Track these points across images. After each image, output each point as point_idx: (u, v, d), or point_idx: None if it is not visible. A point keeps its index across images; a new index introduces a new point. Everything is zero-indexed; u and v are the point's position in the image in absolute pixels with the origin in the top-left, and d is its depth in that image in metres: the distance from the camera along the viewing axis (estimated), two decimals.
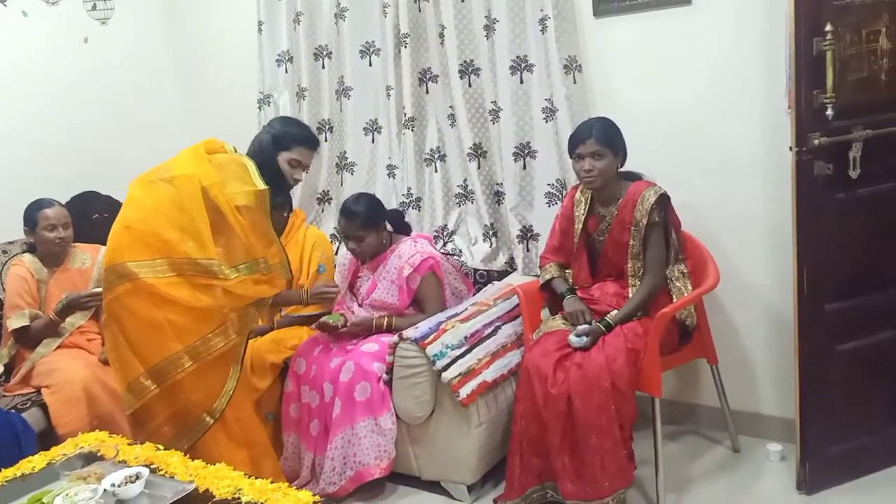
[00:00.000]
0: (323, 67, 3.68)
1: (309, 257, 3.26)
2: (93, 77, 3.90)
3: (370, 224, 2.97)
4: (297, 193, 3.69)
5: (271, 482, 1.96)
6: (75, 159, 3.73)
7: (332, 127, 3.72)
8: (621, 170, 2.66)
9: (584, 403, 2.36)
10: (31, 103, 3.63)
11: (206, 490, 1.98)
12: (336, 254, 3.52)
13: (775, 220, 2.72)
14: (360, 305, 3.09)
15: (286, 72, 3.79)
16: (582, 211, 2.71)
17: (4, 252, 3.37)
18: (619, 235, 2.63)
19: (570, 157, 2.65)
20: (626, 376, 2.41)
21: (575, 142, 2.61)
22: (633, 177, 2.68)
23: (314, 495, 1.90)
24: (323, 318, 2.88)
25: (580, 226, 2.71)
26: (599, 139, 2.56)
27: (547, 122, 3.09)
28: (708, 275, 2.65)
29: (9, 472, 2.18)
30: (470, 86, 3.27)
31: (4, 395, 2.93)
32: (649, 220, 2.56)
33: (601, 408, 2.36)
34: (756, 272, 2.85)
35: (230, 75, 4.09)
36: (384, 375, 2.73)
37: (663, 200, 2.58)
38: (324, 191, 3.79)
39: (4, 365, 3.09)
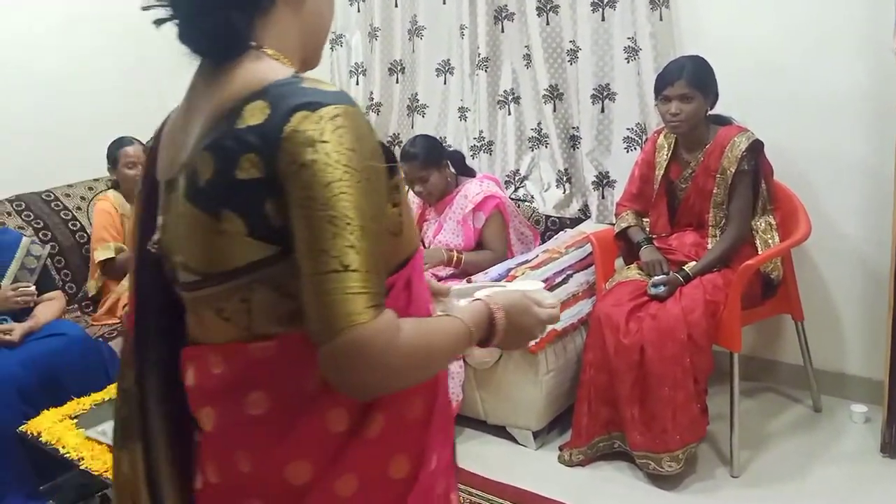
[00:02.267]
0: (396, 6, 3.60)
1: None
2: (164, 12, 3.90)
3: (431, 162, 2.93)
4: None
5: None
6: (151, 99, 3.79)
7: (404, 68, 3.66)
8: (710, 113, 2.53)
9: (657, 354, 2.30)
10: (108, 45, 3.67)
11: None
12: (408, 194, 3.52)
13: (874, 166, 2.54)
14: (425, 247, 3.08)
15: (358, 11, 3.73)
16: (664, 157, 2.60)
17: (90, 189, 3.49)
18: (703, 183, 2.51)
19: (656, 99, 2.53)
20: (704, 328, 2.33)
21: (663, 82, 2.48)
22: (723, 121, 2.54)
23: None
24: None
25: (661, 172, 2.60)
26: (690, 80, 2.42)
27: (629, 62, 2.95)
28: (798, 226, 2.51)
29: (98, 397, 2.31)
30: (548, 24, 3.15)
31: (93, 325, 3.07)
32: (738, 167, 2.43)
33: (675, 359, 2.30)
34: (850, 222, 2.69)
35: None
36: None
37: (755, 147, 2.44)
38: (394, 133, 3.76)
39: (92, 296, 3.23)
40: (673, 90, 2.44)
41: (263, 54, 0.93)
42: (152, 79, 3.76)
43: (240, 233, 0.87)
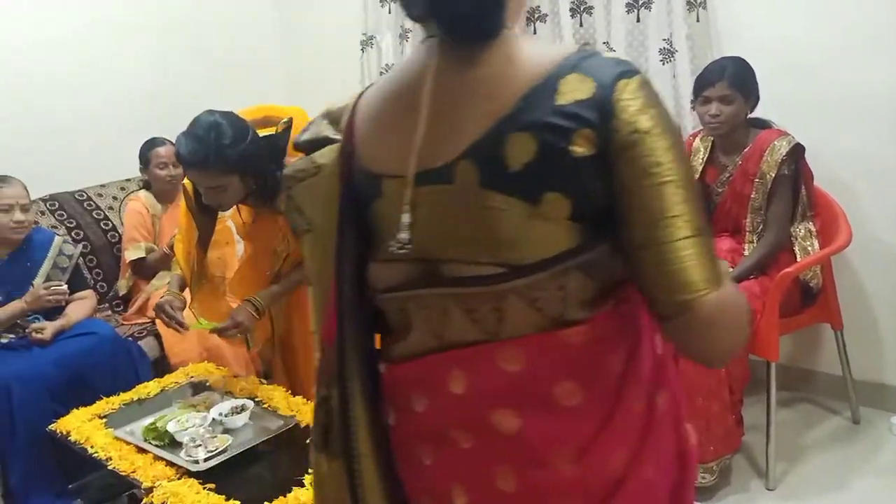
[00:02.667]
0: None
1: None
2: (193, 20, 3.91)
3: None
4: None
5: None
6: (182, 101, 3.80)
7: None
8: (749, 116, 2.46)
9: (690, 363, 2.23)
10: (141, 48, 3.70)
11: (307, 425, 2.02)
12: None
13: None
14: None
15: (389, 12, 3.71)
16: (700, 160, 2.54)
17: (122, 188, 3.51)
18: (740, 187, 2.45)
19: (695, 99, 2.47)
20: None
21: (703, 83, 2.42)
22: (762, 124, 2.48)
23: None
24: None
25: (696, 177, 2.54)
26: (731, 82, 2.36)
27: (664, 63, 2.90)
28: (839, 233, 2.44)
29: (127, 396, 2.32)
30: (581, 25, 3.10)
31: (123, 324, 3.09)
32: (778, 172, 2.36)
33: (710, 369, 2.24)
34: (891, 229, 2.60)
35: (331, 16, 4.05)
36: None
37: (796, 152, 2.37)
38: None
39: (123, 295, 3.25)
40: (714, 91, 2.38)
41: (511, 32, 0.89)
42: (182, 81, 3.80)
43: (562, 216, 0.82)
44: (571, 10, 3.09)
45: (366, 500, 0.96)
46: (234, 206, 2.24)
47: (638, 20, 2.93)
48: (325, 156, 0.96)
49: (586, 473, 0.87)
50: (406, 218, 0.88)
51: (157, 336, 2.97)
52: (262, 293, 2.22)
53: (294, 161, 1.00)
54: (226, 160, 1.99)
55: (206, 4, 3.94)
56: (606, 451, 0.87)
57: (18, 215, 2.68)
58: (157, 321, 3.00)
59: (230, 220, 2.39)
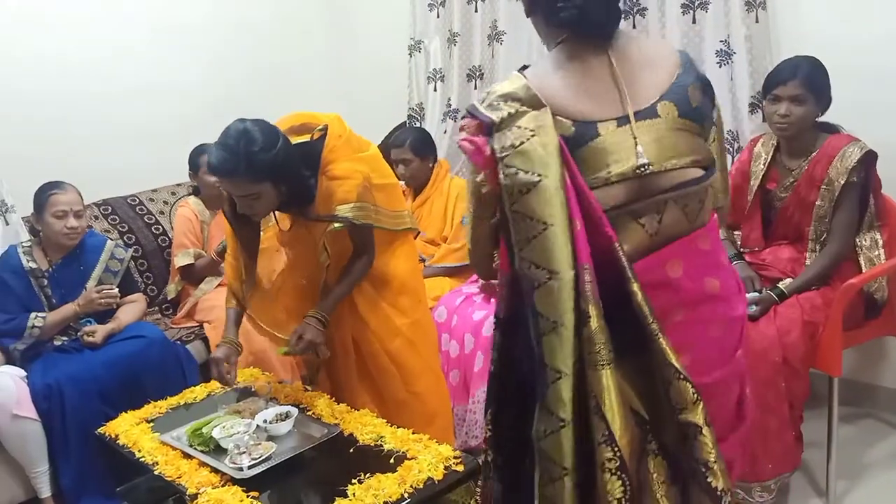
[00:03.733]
0: (476, 11, 3.55)
1: (453, 208, 3.21)
2: (244, 28, 3.95)
3: None
4: (443, 144, 3.64)
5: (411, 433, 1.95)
6: (232, 108, 3.83)
7: (483, 74, 3.60)
8: (818, 120, 2.36)
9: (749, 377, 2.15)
10: (192, 57, 3.76)
11: (351, 434, 2.00)
12: None
13: None
14: None
15: (437, 16, 3.69)
16: (761, 166, 2.44)
17: (173, 194, 3.56)
18: (805, 193, 2.34)
19: (764, 98, 2.37)
20: (801, 351, 2.17)
21: (774, 81, 2.32)
22: (831, 128, 2.37)
23: (455, 449, 1.87)
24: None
25: (757, 182, 2.44)
26: (804, 82, 2.26)
27: (721, 66, 2.81)
28: None
29: (174, 401, 2.33)
30: (634, 27, 3.03)
31: (171, 328, 3.12)
32: (847, 179, 2.24)
33: (769, 383, 2.15)
34: None
35: (380, 20, 4.05)
36: None
37: (868, 159, 2.26)
38: None
39: (171, 299, 3.29)
40: (785, 90, 2.28)
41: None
42: (230, 87, 3.85)
43: (707, 138, 1.36)
44: (625, 11, 3.02)
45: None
46: (272, 214, 2.23)
47: (694, 21, 2.85)
48: (531, 121, 1.22)
49: (745, 311, 1.44)
50: (640, 147, 1.26)
51: (205, 340, 3.00)
52: (321, 304, 2.18)
53: (506, 135, 1.22)
54: (256, 168, 1.96)
55: (255, 12, 3.98)
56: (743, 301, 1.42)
57: (72, 221, 2.73)
58: (205, 325, 3.04)
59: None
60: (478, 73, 3.61)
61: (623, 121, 1.27)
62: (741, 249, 2.52)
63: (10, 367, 2.58)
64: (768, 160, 2.43)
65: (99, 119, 3.42)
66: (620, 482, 1.20)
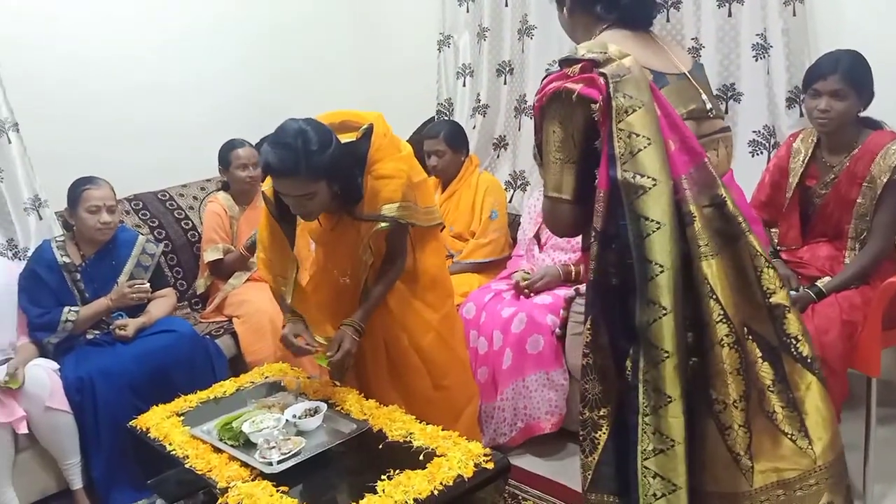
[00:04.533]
0: (506, 5, 3.52)
1: (482, 203, 3.19)
2: (272, 24, 3.96)
3: None
4: (473, 139, 3.62)
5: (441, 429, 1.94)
6: (260, 104, 3.87)
7: (513, 69, 3.57)
8: (860, 115, 2.30)
9: None
10: (221, 54, 3.79)
11: (380, 430, 1.99)
12: (510, 201, 3.43)
13: None
14: (540, 250, 2.97)
15: (467, 11, 3.67)
16: (800, 162, 2.39)
17: (202, 189, 3.58)
18: (845, 190, 2.29)
19: (805, 93, 2.32)
20: (839, 351, 2.12)
21: (814, 76, 2.27)
22: (874, 124, 2.30)
23: (484, 447, 1.85)
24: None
25: (796, 179, 2.39)
26: (845, 76, 2.21)
27: (757, 60, 2.76)
28: None
29: (204, 395, 2.33)
30: (668, 21, 2.98)
31: (201, 322, 3.14)
32: (890, 177, 2.18)
33: None
34: None
35: (408, 15, 4.03)
36: (557, 330, 2.61)
37: None
38: (500, 136, 3.68)
39: (200, 294, 3.31)
40: (825, 84, 2.23)
41: None
42: (259, 84, 3.86)
43: None
44: (658, 5, 2.96)
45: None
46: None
47: (730, 14, 2.80)
48: (626, 61, 1.40)
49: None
50: (705, 96, 1.54)
51: (234, 335, 3.01)
52: (359, 313, 2.18)
53: (611, 67, 1.38)
54: (315, 167, 1.95)
55: (283, 8, 3.99)
56: None
57: (105, 216, 2.75)
58: (235, 320, 3.05)
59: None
60: (507, 68, 3.58)
61: (681, 76, 1.52)
62: (778, 247, 2.47)
63: (43, 360, 2.61)
64: (808, 156, 2.37)
65: (129, 116, 3.45)
66: (738, 354, 1.37)
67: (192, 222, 3.44)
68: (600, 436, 1.46)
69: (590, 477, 1.47)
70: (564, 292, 2.66)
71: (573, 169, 1.46)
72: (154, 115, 3.52)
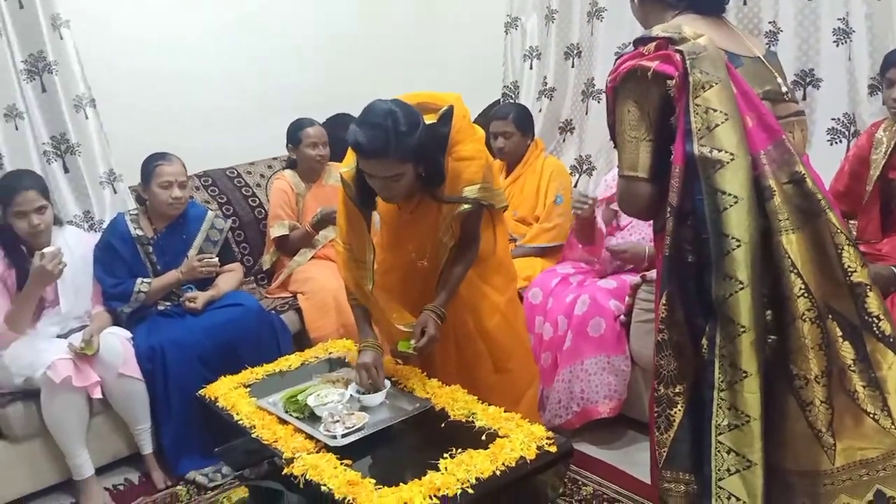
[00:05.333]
0: None
1: (546, 187, 3.16)
2: (337, 6, 4.00)
3: None
4: (538, 122, 3.58)
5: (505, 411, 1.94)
6: (324, 85, 3.90)
7: (581, 52, 3.52)
8: None
9: None
10: (289, 37, 3.84)
11: (442, 409, 2.00)
12: (575, 185, 3.39)
13: None
14: (620, 228, 2.91)
15: None
16: (882, 153, 2.29)
17: (269, 167, 3.65)
18: None
19: (881, 81, 2.23)
20: None
21: (887, 63, 2.20)
22: None
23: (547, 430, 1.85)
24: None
25: (877, 171, 2.29)
26: None
27: (838, 45, 2.65)
28: None
29: (270, 367, 2.38)
30: (745, 4, 2.89)
31: (266, 297, 3.21)
32: None
33: None
34: None
35: None
36: (622, 317, 2.58)
37: None
38: (567, 120, 3.63)
39: (266, 270, 3.38)
40: None
41: None
42: (325, 65, 3.90)
43: None
44: None
45: None
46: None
47: None
48: (702, 40, 1.41)
49: None
50: (778, 78, 1.56)
51: (298, 311, 3.07)
52: (440, 298, 2.17)
53: (686, 45, 1.40)
54: (404, 148, 1.94)
55: None
56: None
57: (177, 191, 2.82)
58: (299, 296, 3.10)
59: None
60: (575, 52, 3.53)
61: (755, 59, 1.53)
62: (856, 241, 2.38)
63: (117, 329, 2.70)
64: (891, 147, 2.27)
65: (200, 97, 3.54)
66: (819, 329, 1.38)
67: (259, 199, 3.51)
68: (676, 413, 1.46)
69: (665, 454, 1.47)
70: (631, 278, 2.62)
71: (649, 147, 1.47)
72: (223, 95, 3.61)
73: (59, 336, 2.66)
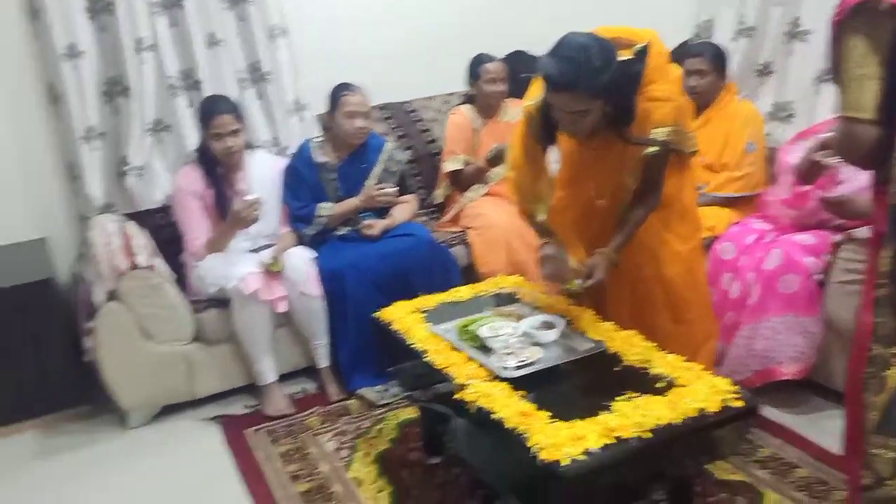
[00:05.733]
0: None
1: (738, 133, 2.95)
2: None
3: None
4: (733, 64, 3.32)
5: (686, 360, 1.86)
6: (501, 21, 3.81)
7: None
8: None
9: None
10: None
11: (616, 353, 1.95)
12: (769, 133, 3.14)
13: None
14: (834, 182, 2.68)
15: None
16: None
17: (446, 102, 3.66)
18: None
19: None
20: None
21: None
22: None
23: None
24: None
25: None
26: None
27: None
28: None
29: (442, 297, 2.42)
30: None
31: (437, 231, 3.25)
32: None
33: None
34: None
35: None
36: (819, 275, 2.38)
37: None
38: (765, 62, 3.34)
39: (438, 204, 3.43)
40: None
41: None
42: (504, 1, 3.81)
43: None
44: None
45: None
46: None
47: None
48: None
49: None
50: None
51: (468, 245, 3.10)
52: (615, 243, 2.11)
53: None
54: (595, 84, 1.88)
55: None
56: None
57: (360, 121, 2.91)
58: (469, 231, 3.13)
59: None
60: None
61: None
62: None
63: (301, 249, 2.86)
64: None
65: (383, 30, 3.57)
66: None
67: (434, 134, 3.55)
68: (891, 374, 1.35)
69: (876, 418, 1.37)
70: (834, 236, 2.40)
71: (876, 85, 1.34)
72: (404, 31, 3.62)
73: (250, 252, 2.86)
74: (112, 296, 2.60)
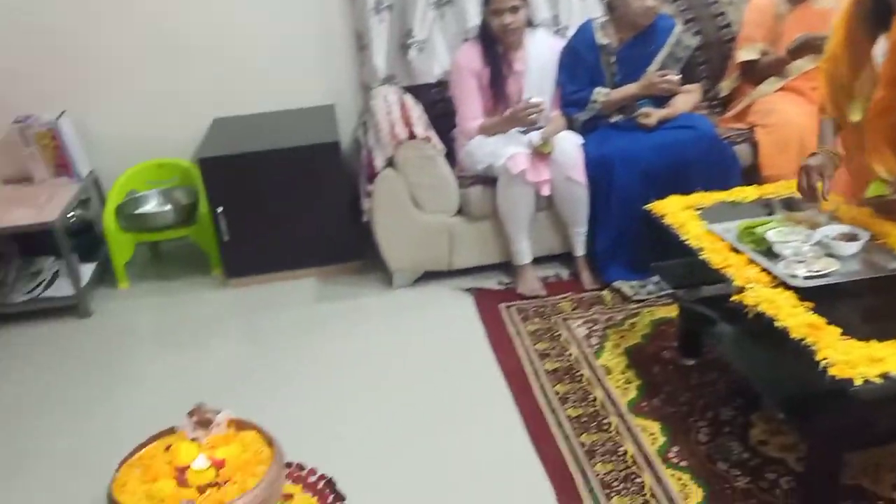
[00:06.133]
0: None
1: None
2: None
3: None
4: None
5: None
6: None
7: None
8: None
9: None
10: None
11: None
12: None
13: None
14: None
15: None
16: None
17: None
18: None
19: None
20: None
21: None
22: None
23: None
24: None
25: None
26: None
27: None
28: None
29: (721, 196, 2.24)
30: None
31: (719, 126, 2.97)
32: None
33: None
34: None
35: None
36: None
37: None
38: None
39: (722, 97, 3.14)
40: None
41: None
42: None
43: None
44: None
45: None
46: None
47: None
48: None
49: None
50: None
51: (754, 145, 2.82)
52: None
53: None
54: None
55: None
56: None
57: (651, 1, 2.70)
58: (757, 128, 2.84)
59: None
60: None
61: None
62: None
63: (571, 134, 2.79)
64: None
65: None
66: None
67: (729, 19, 3.20)
68: None
69: None
70: None
71: None
72: None
73: (519, 132, 2.84)
74: (389, 162, 2.75)
